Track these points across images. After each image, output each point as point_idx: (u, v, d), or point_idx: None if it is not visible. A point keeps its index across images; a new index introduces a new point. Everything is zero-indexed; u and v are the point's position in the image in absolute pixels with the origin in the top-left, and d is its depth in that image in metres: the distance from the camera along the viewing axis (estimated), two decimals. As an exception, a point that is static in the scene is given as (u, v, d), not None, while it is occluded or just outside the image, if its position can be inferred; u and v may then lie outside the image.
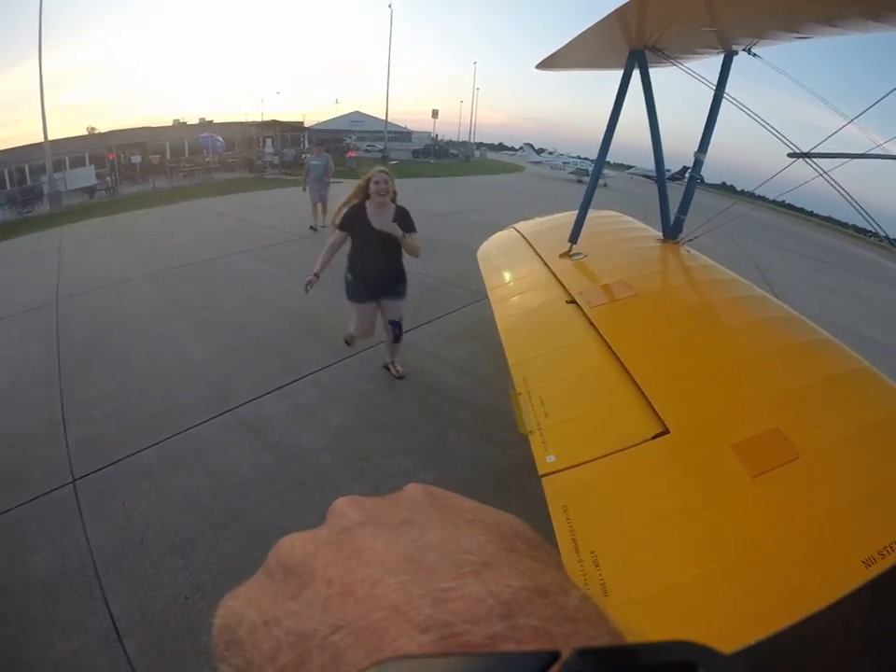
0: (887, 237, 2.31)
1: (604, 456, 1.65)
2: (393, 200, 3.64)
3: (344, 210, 3.66)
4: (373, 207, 3.57)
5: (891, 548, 1.20)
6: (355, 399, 3.94)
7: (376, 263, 3.68)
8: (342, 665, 0.18)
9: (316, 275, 3.61)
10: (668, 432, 1.66)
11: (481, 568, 0.20)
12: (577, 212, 3.42)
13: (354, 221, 3.59)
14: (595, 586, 1.27)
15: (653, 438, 1.66)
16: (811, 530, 1.32)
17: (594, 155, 3.71)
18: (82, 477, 3.23)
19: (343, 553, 0.22)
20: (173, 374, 4.52)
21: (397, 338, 4.09)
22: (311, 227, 9.85)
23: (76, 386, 4.36)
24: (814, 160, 2.41)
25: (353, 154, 29.01)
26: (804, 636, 1.07)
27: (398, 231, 3.51)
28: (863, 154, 2.44)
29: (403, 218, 3.62)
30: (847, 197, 2.33)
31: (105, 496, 3.07)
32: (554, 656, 0.16)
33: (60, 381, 4.46)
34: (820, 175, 2.38)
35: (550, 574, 0.21)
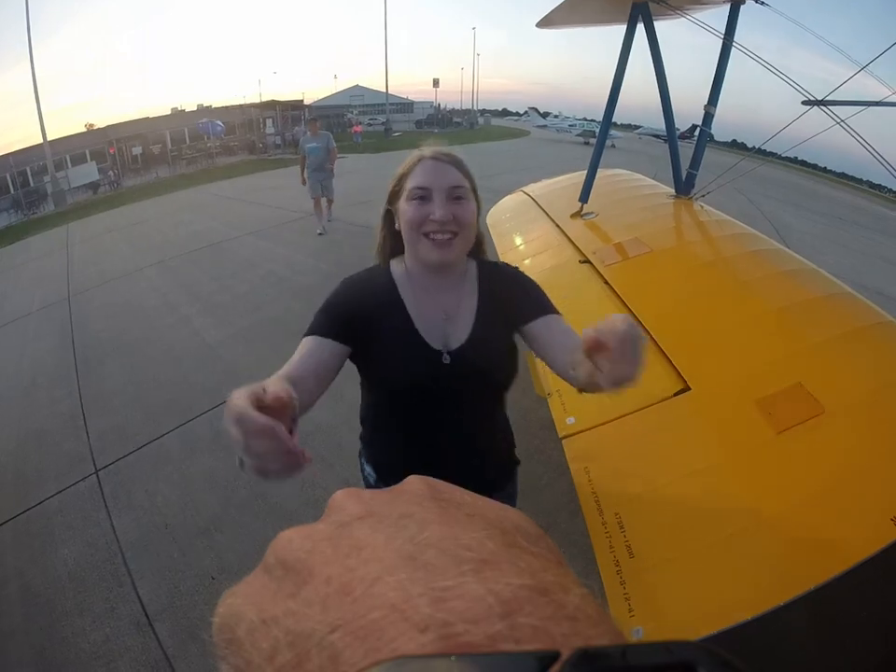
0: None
1: (624, 416, 1.62)
2: (477, 250, 1.32)
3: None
4: (421, 270, 1.23)
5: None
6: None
7: (438, 442, 1.28)
8: (340, 665, 0.17)
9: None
10: (689, 389, 1.63)
11: (480, 566, 0.19)
12: (586, 172, 3.35)
13: (361, 319, 1.18)
14: (620, 549, 1.26)
15: (674, 395, 1.63)
16: (839, 487, 1.29)
17: (600, 117, 3.62)
18: (105, 467, 3.27)
19: (342, 550, 0.22)
20: (189, 359, 4.55)
21: None
22: (318, 233, 8.06)
23: (93, 379, 4.41)
24: (829, 108, 2.33)
25: (359, 129, 28.03)
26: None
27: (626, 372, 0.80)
28: (880, 102, 2.36)
29: (518, 296, 1.25)
30: (864, 143, 2.25)
31: (128, 483, 3.11)
32: (554, 656, 0.15)
33: (77, 375, 4.51)
34: (837, 123, 2.30)
35: (551, 571, 0.21)
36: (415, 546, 0.21)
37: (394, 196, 1.23)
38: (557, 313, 1.21)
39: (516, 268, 1.32)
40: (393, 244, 1.28)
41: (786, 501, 1.27)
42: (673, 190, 3.26)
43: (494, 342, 1.23)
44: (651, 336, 1.88)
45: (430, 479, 0.28)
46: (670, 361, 1.75)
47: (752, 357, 1.73)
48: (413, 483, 0.27)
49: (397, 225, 1.21)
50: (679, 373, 1.69)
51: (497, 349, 1.23)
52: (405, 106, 52.73)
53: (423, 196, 1.14)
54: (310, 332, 1.16)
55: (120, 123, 28.49)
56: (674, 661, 0.15)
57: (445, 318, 1.21)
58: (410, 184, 1.17)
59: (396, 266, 1.26)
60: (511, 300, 1.23)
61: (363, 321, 1.17)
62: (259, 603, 0.21)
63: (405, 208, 1.16)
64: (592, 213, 3.22)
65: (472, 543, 0.21)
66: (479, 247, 1.32)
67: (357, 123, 31.95)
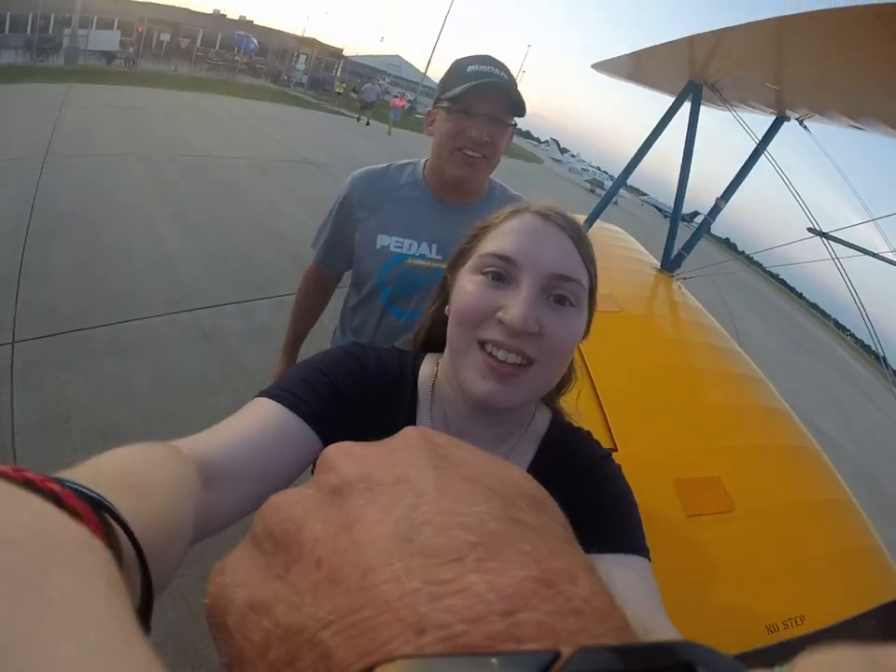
0: (877, 341, 2.29)
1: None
2: (555, 395, 0.80)
3: None
4: (457, 395, 0.70)
5: (796, 621, 1.23)
6: (316, 331, 3.59)
7: None
8: (332, 666, 0.16)
9: None
10: (615, 450, 1.67)
11: (481, 554, 0.18)
12: (585, 217, 3.39)
13: (354, 415, 0.67)
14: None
15: (600, 453, 1.67)
16: (728, 583, 1.35)
17: (613, 171, 3.68)
18: (24, 340, 3.10)
19: (333, 526, 0.20)
20: (142, 260, 4.39)
21: None
22: None
23: (40, 247, 4.18)
24: (831, 244, 2.41)
25: (402, 103, 22.57)
26: None
27: None
28: (879, 255, 2.42)
29: (591, 503, 0.68)
30: (852, 289, 2.32)
31: (42, 365, 2.96)
32: (555, 656, 0.15)
33: (26, 237, 4.28)
34: (833, 259, 2.38)
35: (558, 556, 0.19)
36: (411, 523, 0.19)
37: (459, 259, 0.72)
38: (644, 554, 0.65)
39: (608, 454, 0.76)
40: (439, 334, 0.75)
41: (679, 583, 1.31)
42: (659, 263, 3.34)
43: None
44: (595, 390, 1.92)
45: (428, 430, 0.26)
46: (605, 419, 1.78)
47: (683, 439, 1.79)
48: (410, 436, 0.26)
49: (447, 309, 0.71)
50: (610, 433, 1.73)
51: None
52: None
53: (500, 274, 0.63)
54: (274, 397, 0.66)
55: (159, 4, 27.37)
56: (675, 662, 0.15)
57: None
58: (486, 246, 0.66)
59: (427, 367, 0.76)
60: (579, 501, 0.64)
61: (355, 420, 0.66)
62: (247, 583, 0.20)
63: (464, 286, 0.65)
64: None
65: (472, 521, 0.19)
66: (559, 390, 0.79)
67: (398, 95, 25.95)
